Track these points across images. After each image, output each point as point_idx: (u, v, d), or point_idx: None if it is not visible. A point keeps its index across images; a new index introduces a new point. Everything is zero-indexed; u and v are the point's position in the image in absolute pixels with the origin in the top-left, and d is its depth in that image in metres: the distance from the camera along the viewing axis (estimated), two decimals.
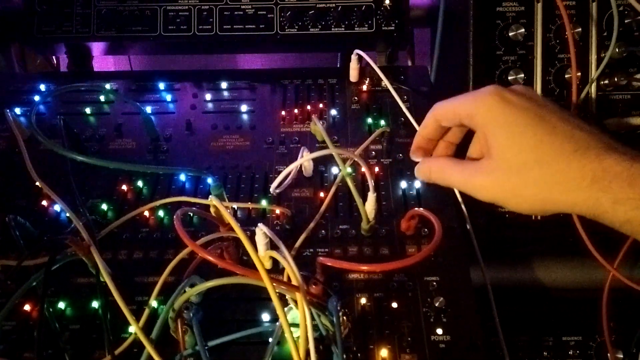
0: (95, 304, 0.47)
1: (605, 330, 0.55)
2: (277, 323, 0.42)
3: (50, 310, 0.46)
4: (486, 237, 0.58)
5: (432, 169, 0.42)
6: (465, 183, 0.39)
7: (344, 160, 0.54)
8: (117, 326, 0.45)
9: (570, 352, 0.59)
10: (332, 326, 0.41)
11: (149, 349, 0.39)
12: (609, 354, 0.57)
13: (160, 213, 0.54)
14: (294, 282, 0.39)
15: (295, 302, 0.40)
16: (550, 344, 0.59)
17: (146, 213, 0.53)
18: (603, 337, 0.58)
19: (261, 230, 0.43)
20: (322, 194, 0.55)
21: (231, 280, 0.40)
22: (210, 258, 0.37)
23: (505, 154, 0.36)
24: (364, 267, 0.40)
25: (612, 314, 0.57)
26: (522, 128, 0.36)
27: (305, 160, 0.51)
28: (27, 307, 0.46)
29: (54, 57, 0.84)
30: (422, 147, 0.45)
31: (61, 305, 0.47)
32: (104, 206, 0.54)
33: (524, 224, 0.60)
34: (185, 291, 0.41)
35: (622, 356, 0.58)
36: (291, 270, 0.39)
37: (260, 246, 0.45)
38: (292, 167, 0.49)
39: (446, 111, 0.41)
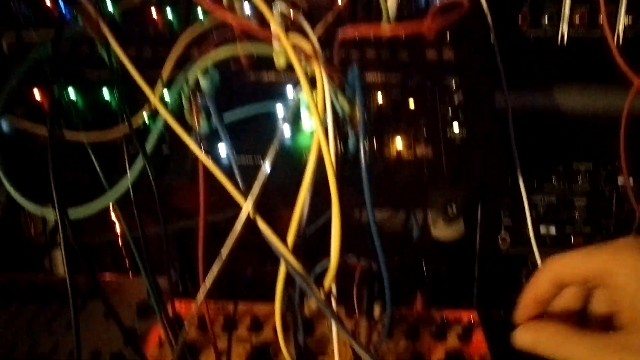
0: (107, 96, 0.46)
1: (622, 153, 0.54)
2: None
3: (62, 99, 0.45)
4: (508, 60, 0.55)
5: (541, 338, 0.33)
6: None
7: None
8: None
9: (579, 178, 0.59)
10: (351, 105, 0.39)
11: (166, 116, 0.38)
12: (620, 177, 0.57)
13: (169, 14, 0.51)
14: (310, 52, 0.37)
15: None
16: (560, 170, 0.59)
17: (154, 14, 0.50)
18: (614, 164, 0.58)
19: (278, 6, 0.41)
20: None
21: (247, 48, 0.38)
22: (229, 17, 0.34)
23: None
24: (387, 28, 0.37)
25: (627, 141, 0.56)
26: None
27: None
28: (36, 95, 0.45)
29: None
30: (530, 312, 0.35)
31: (71, 96, 0.46)
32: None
33: (549, 48, 0.57)
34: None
35: (632, 184, 0.59)
36: (306, 36, 0.37)
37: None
38: None
39: (570, 267, 0.33)
